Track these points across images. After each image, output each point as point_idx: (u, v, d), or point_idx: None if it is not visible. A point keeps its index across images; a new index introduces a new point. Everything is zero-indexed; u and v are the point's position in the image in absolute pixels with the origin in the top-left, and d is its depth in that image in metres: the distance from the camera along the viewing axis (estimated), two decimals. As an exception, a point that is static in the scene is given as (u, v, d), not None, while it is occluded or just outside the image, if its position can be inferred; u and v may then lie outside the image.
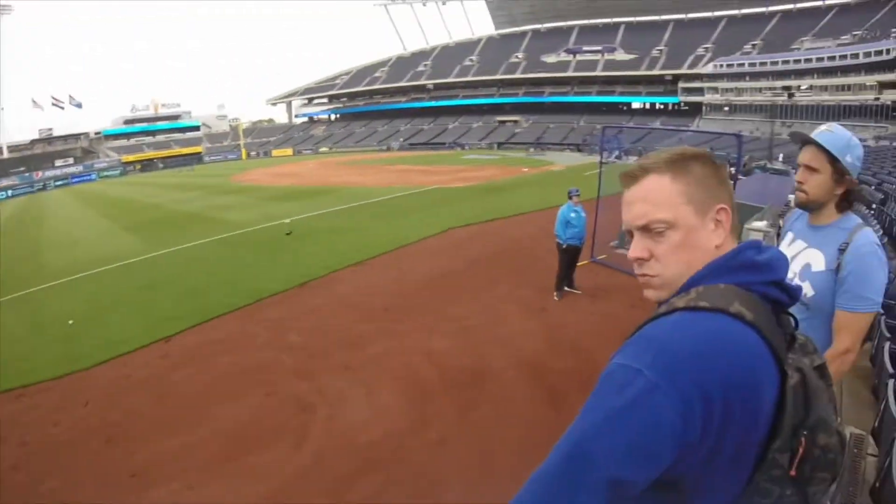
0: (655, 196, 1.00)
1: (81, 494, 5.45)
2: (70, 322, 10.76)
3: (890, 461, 2.42)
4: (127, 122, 78.35)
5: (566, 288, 9.21)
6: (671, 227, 0.98)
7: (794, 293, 0.98)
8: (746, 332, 0.87)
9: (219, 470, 5.40)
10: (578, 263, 9.48)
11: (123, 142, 76.90)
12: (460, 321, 8.33)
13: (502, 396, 6.09)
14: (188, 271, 13.40)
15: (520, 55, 74.73)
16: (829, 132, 2.01)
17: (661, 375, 0.82)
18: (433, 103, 76.81)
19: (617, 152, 37.51)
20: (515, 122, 70.17)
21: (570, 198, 8.82)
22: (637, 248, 1.02)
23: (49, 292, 13.31)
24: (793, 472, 0.88)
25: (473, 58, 78.23)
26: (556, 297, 9.01)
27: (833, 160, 1.97)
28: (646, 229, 1.01)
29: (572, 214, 8.77)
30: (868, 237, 1.98)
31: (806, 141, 2.04)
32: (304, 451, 5.49)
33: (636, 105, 66.90)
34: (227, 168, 57.87)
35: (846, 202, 2.04)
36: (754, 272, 0.96)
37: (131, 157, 71.68)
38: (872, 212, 11.70)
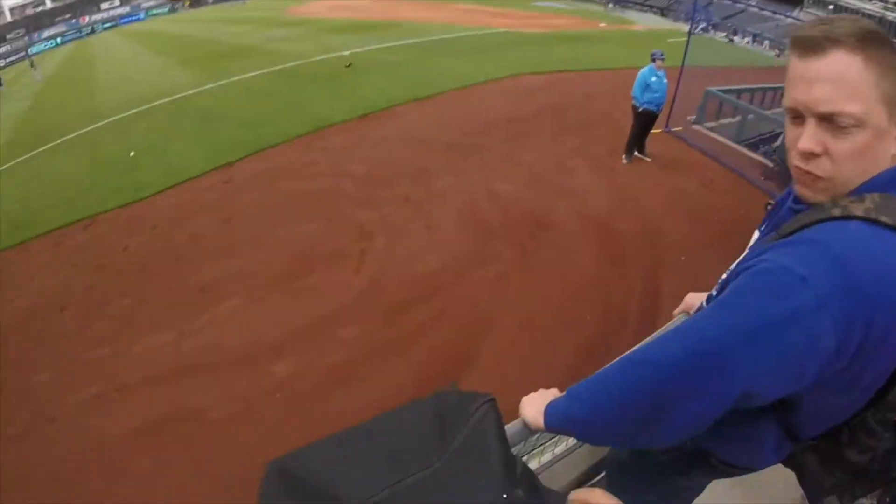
0: (847, 82, 0.77)
1: (154, 308, 5.82)
2: (132, 153, 10.83)
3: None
4: (171, -48, 73.96)
5: (636, 153, 8.79)
6: (859, 125, 0.78)
7: None
8: None
9: (282, 287, 5.67)
10: (652, 130, 8.95)
11: (169, -23, 73.18)
12: (527, 167, 8.11)
13: (563, 246, 6.08)
14: (247, 102, 13.20)
15: None
16: None
17: (831, 292, 0.69)
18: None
19: (705, 24, 34.34)
20: (597, -27, 64.10)
21: (654, 60, 8.02)
22: (811, 139, 0.81)
23: (107, 129, 13.38)
24: None
25: None
26: (624, 161, 8.63)
27: None
28: (827, 119, 0.79)
29: (653, 78, 8.04)
30: None
31: None
32: (363, 276, 5.68)
33: (734, -23, 59.95)
34: (281, 1, 55.56)
35: None
36: None
37: (179, -7, 68.28)
38: None
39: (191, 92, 15.25)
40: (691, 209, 7.32)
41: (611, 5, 50.86)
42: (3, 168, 12.43)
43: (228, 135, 10.73)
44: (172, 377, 4.87)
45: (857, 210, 0.77)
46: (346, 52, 17.33)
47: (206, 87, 15.61)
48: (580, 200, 7.13)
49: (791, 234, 0.82)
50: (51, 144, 13.20)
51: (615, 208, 7.03)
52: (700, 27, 31.13)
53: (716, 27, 38.18)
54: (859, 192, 0.81)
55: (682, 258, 5.92)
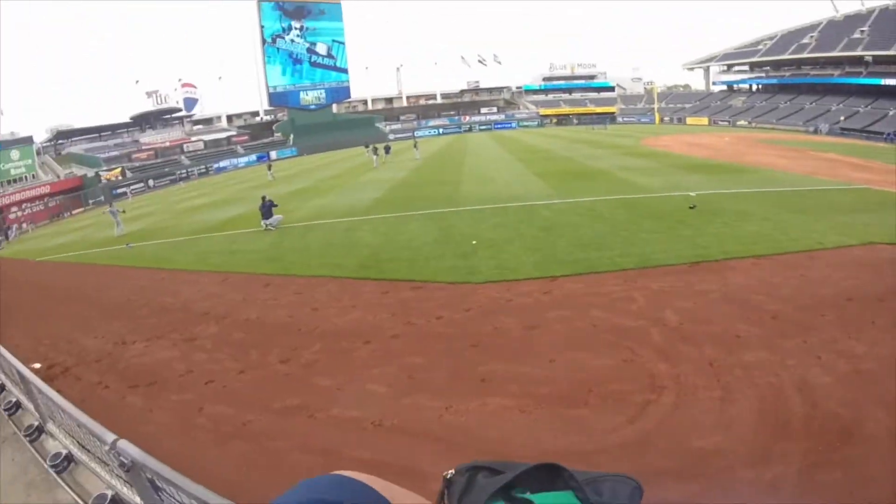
0: None
1: (437, 376, 6.74)
2: (473, 242, 12.72)
3: None
4: (545, 79, 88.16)
5: None
6: None
7: None
8: None
9: (553, 408, 5.89)
10: None
11: (541, 97, 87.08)
12: (855, 360, 6.35)
13: (858, 465, 4.82)
14: (586, 223, 14.10)
15: None
16: None
17: None
18: (871, 80, 57.53)
19: None
20: None
21: None
22: None
23: (461, 215, 16.02)
24: None
25: (932, 23, 55.99)
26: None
27: None
28: None
29: None
30: None
31: None
32: (638, 424, 5.49)
33: None
34: (638, 130, 57.53)
35: None
36: None
37: (548, 111, 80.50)
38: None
39: (539, 203, 17.16)
40: None
41: None
42: (368, 217, 16.72)
43: (561, 250, 11.66)
44: (425, 438, 5.61)
45: None
46: (693, 194, 17.33)
47: (554, 201, 17.35)
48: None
49: None
50: (412, 213, 16.89)
51: None
52: None
53: None
54: None
55: None
